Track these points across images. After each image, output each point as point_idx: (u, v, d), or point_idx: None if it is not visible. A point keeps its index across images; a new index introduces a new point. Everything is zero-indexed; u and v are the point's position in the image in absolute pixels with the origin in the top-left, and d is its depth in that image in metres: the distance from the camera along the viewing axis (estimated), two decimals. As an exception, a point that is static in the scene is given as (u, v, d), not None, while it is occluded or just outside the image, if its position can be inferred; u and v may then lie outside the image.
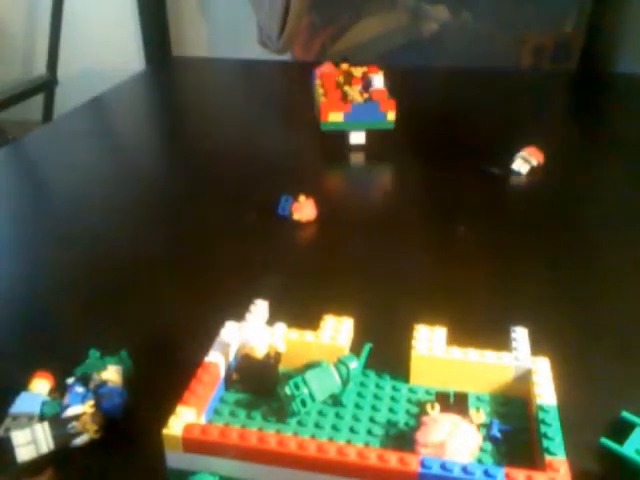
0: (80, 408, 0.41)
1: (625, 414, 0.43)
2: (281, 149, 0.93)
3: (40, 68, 1.56)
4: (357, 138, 0.90)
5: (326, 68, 0.94)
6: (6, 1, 1.64)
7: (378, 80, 0.89)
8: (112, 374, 0.44)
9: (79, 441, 0.40)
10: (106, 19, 1.59)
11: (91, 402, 0.41)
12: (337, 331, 0.42)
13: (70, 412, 0.41)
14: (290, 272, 0.62)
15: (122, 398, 0.42)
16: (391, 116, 0.87)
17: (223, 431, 0.34)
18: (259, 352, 0.40)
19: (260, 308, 0.44)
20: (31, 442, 0.39)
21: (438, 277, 0.61)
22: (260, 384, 0.40)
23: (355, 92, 0.88)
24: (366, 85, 0.90)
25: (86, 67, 1.60)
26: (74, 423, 0.40)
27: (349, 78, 0.92)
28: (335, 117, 0.87)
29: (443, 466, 0.31)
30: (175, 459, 0.35)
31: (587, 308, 0.57)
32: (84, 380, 0.43)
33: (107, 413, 0.41)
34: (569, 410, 0.40)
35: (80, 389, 0.42)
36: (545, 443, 0.34)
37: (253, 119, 1.07)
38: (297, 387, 0.38)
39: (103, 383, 0.43)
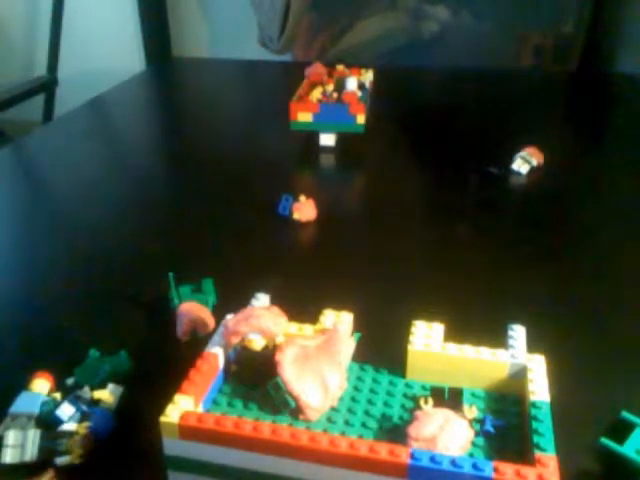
0: (75, 426, 0.41)
1: (625, 414, 0.43)
2: (281, 149, 0.93)
3: (40, 68, 1.56)
4: (327, 140, 0.89)
5: (315, 69, 0.94)
6: (6, 1, 1.64)
7: (352, 82, 0.88)
8: (106, 395, 0.43)
9: (60, 461, 0.39)
10: (106, 19, 1.59)
11: (86, 423, 0.41)
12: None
13: (65, 427, 0.40)
14: (290, 271, 0.62)
15: (109, 422, 0.42)
16: (361, 119, 0.85)
17: (219, 419, 0.34)
18: (257, 344, 0.40)
19: (262, 302, 0.44)
20: (19, 446, 0.39)
21: (437, 276, 0.61)
22: (257, 376, 0.40)
23: (318, 92, 0.88)
24: (339, 87, 0.89)
25: (86, 67, 1.60)
26: (64, 440, 0.40)
27: (331, 79, 0.92)
28: (304, 117, 0.86)
29: (432, 459, 0.32)
30: (172, 446, 0.35)
31: (587, 308, 0.57)
32: (76, 398, 0.42)
33: (93, 433, 0.41)
34: (569, 410, 0.40)
35: (71, 408, 0.41)
36: (535, 439, 0.34)
37: (253, 119, 1.08)
38: (278, 388, 0.38)
39: (96, 402, 0.43)
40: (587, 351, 0.51)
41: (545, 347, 0.42)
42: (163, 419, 0.35)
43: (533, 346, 0.42)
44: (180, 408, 0.35)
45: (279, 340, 0.40)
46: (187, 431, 0.35)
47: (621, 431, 0.42)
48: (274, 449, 0.33)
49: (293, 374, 0.38)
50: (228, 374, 0.41)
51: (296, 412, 0.38)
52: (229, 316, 0.42)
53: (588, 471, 0.40)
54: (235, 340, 0.40)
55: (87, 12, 1.59)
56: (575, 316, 0.55)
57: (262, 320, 0.40)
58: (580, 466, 0.39)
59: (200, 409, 0.38)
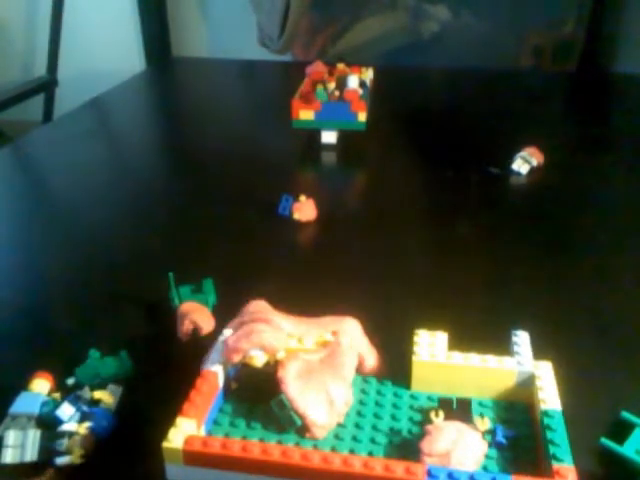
0: (75, 426, 0.40)
1: (625, 414, 0.43)
2: (281, 149, 0.93)
3: (40, 69, 1.56)
4: (328, 137, 0.89)
5: (316, 67, 0.94)
6: (6, 1, 1.64)
7: (353, 80, 0.88)
8: (106, 395, 0.43)
9: (61, 461, 0.39)
10: (106, 20, 1.59)
11: (86, 424, 0.40)
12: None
13: (65, 427, 0.40)
14: (290, 271, 0.62)
15: (109, 422, 0.42)
16: (362, 117, 0.86)
17: (225, 443, 0.33)
18: (258, 360, 0.39)
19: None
20: (19, 446, 0.39)
21: (438, 278, 0.61)
22: (260, 393, 0.39)
23: (321, 90, 0.88)
24: (341, 85, 0.89)
25: (86, 68, 1.60)
26: (64, 441, 0.40)
27: (332, 77, 0.92)
28: (306, 115, 0.86)
29: (450, 475, 0.31)
30: (175, 472, 0.34)
31: (588, 309, 0.57)
32: (77, 398, 0.42)
33: (93, 433, 0.41)
34: (569, 410, 0.40)
35: (71, 408, 0.41)
36: (552, 449, 0.34)
37: (253, 119, 1.07)
38: (283, 406, 0.37)
39: (95, 402, 0.43)
40: (587, 351, 0.51)
41: (545, 348, 0.42)
42: (166, 445, 0.34)
43: (533, 347, 0.42)
44: (183, 432, 0.34)
45: (280, 356, 0.39)
46: (192, 456, 0.33)
47: (621, 431, 0.42)
48: (285, 472, 0.33)
49: (297, 391, 0.37)
50: (228, 392, 0.40)
51: (302, 430, 0.37)
52: (227, 331, 0.40)
53: (588, 471, 0.40)
54: (237, 358, 0.39)
55: (87, 12, 1.58)
56: (575, 317, 0.55)
57: (264, 336, 0.39)
58: (580, 466, 0.39)
59: (202, 431, 0.37)
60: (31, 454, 0.39)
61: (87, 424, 0.41)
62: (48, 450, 0.39)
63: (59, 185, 0.86)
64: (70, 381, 0.45)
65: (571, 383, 0.43)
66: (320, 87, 0.88)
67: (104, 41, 1.60)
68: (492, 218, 0.73)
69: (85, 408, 0.42)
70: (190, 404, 0.36)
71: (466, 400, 0.38)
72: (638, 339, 0.53)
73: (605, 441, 0.41)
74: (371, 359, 0.41)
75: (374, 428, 0.38)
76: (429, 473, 0.31)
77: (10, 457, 0.39)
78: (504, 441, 0.36)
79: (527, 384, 0.39)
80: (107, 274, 0.63)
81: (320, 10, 1.36)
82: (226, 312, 0.44)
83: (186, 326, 0.50)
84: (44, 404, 0.42)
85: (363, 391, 0.41)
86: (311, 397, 0.37)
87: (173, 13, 1.51)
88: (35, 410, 0.41)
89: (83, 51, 1.60)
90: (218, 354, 0.40)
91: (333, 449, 0.37)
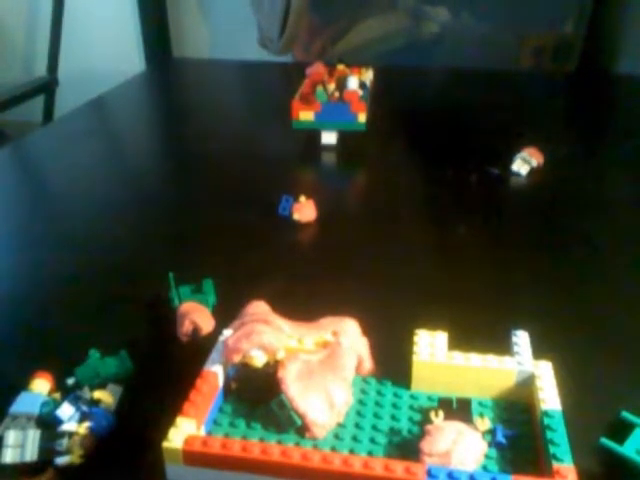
0: (74, 426, 0.40)
1: (625, 414, 0.43)
2: (281, 149, 0.93)
3: (40, 69, 1.56)
4: (328, 138, 0.90)
5: (316, 68, 0.94)
6: (6, 2, 1.64)
7: (353, 81, 0.89)
8: (106, 395, 0.43)
9: (61, 461, 0.39)
10: (106, 20, 1.59)
11: (86, 424, 0.40)
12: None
13: (65, 427, 0.40)
14: (290, 272, 0.62)
15: (108, 421, 0.42)
16: (362, 118, 0.86)
17: (225, 443, 0.33)
18: (258, 361, 0.39)
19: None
20: (19, 446, 0.39)
21: (438, 279, 0.61)
22: (259, 393, 0.39)
23: (322, 91, 0.88)
24: (341, 86, 0.90)
25: (86, 68, 1.60)
26: (64, 441, 0.40)
27: (332, 78, 0.92)
28: (306, 116, 0.87)
29: (450, 475, 0.31)
30: (175, 472, 0.34)
31: (587, 309, 0.57)
32: (76, 398, 0.42)
33: (93, 433, 0.41)
34: (569, 410, 0.40)
35: (71, 408, 0.41)
36: (552, 449, 0.34)
37: (253, 120, 1.07)
38: (283, 406, 0.37)
39: (95, 402, 0.43)
40: (587, 351, 0.51)
41: (545, 349, 0.42)
42: (166, 444, 0.34)
43: (533, 347, 0.42)
44: (183, 432, 0.34)
45: (280, 356, 0.39)
46: (192, 456, 0.34)
47: (621, 431, 0.42)
48: (285, 472, 0.33)
49: (298, 391, 0.37)
50: (227, 392, 0.40)
51: (302, 430, 0.37)
52: (227, 332, 0.40)
53: (588, 471, 0.40)
54: (237, 358, 0.39)
55: (87, 12, 1.59)
56: (575, 317, 0.55)
57: (264, 336, 0.39)
58: (580, 466, 0.39)
59: (202, 431, 0.37)
60: (31, 454, 0.39)
61: (87, 424, 0.41)
62: (48, 450, 0.39)
63: (59, 185, 0.86)
64: (70, 381, 0.45)
65: (571, 383, 0.43)
66: (320, 88, 0.89)
67: (104, 41, 1.60)
68: (492, 218, 0.73)
69: (85, 408, 0.42)
70: (190, 404, 0.36)
71: (466, 400, 0.38)
72: (638, 339, 0.53)
73: (605, 441, 0.41)
74: (368, 361, 0.41)
75: (374, 428, 0.38)
76: (429, 473, 0.31)
77: (10, 457, 0.39)
78: (504, 441, 0.36)
79: (527, 384, 0.39)
80: (107, 273, 0.63)
81: (320, 11, 1.36)
82: (226, 312, 0.44)
83: (186, 326, 0.50)
84: (44, 404, 0.42)
85: (363, 391, 0.41)
86: (311, 397, 0.37)
87: (173, 13, 1.51)
88: (35, 410, 0.41)
89: (83, 51, 1.60)
90: (218, 354, 0.40)
91: (333, 449, 0.37)
